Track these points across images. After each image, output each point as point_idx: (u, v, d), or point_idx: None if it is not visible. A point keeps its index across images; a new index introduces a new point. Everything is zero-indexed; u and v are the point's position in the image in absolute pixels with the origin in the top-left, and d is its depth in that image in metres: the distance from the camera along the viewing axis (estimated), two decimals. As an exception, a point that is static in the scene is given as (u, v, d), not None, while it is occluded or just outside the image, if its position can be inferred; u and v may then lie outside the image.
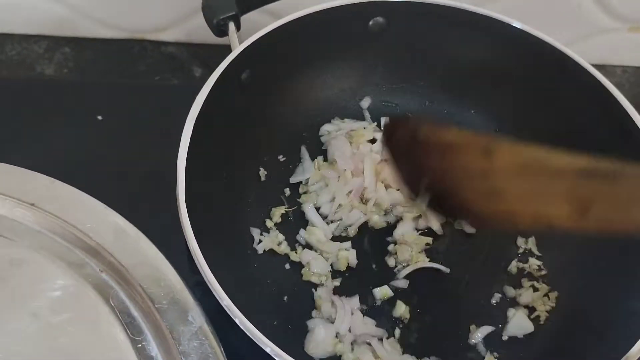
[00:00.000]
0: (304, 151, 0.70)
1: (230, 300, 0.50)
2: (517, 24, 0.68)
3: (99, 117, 0.78)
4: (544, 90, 0.69)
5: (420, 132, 0.41)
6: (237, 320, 0.49)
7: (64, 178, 0.59)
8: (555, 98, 0.69)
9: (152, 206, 0.61)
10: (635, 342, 0.51)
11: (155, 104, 0.80)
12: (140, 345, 0.50)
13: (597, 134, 0.66)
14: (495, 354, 0.60)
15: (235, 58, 0.63)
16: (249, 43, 0.65)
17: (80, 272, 0.52)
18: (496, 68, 0.70)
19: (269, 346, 0.48)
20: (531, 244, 0.68)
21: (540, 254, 0.67)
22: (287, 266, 0.64)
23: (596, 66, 0.67)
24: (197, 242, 0.52)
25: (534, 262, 0.66)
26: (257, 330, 0.49)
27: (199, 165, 0.58)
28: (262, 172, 0.68)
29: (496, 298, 0.64)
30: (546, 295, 0.64)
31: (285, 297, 0.62)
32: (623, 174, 0.32)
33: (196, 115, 0.58)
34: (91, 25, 0.85)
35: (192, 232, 0.52)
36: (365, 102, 0.74)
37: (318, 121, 0.73)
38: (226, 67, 0.62)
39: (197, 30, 0.84)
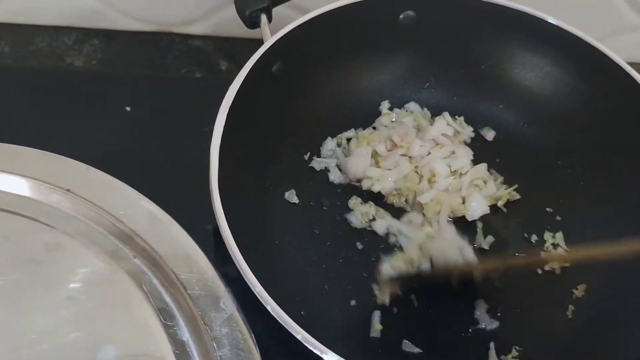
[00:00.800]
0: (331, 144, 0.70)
1: (262, 288, 0.50)
2: (551, 20, 0.67)
3: (127, 108, 0.79)
4: (576, 88, 0.69)
5: None
6: (268, 308, 0.49)
7: (97, 165, 0.60)
8: (588, 95, 0.68)
9: (184, 195, 0.61)
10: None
11: (182, 96, 0.81)
12: (172, 330, 0.51)
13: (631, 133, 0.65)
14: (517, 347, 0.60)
15: (267, 50, 0.64)
16: (281, 35, 0.65)
17: (113, 258, 0.53)
18: (526, 62, 0.70)
19: (300, 333, 0.49)
20: (559, 238, 0.67)
21: (567, 249, 0.67)
22: (314, 257, 0.64)
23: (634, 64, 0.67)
24: (230, 230, 0.52)
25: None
26: (288, 317, 0.49)
27: (231, 154, 0.58)
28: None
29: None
30: (575, 288, 0.64)
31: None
32: None
33: (229, 104, 0.59)
34: (120, 18, 0.86)
35: (225, 221, 0.52)
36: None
37: (346, 114, 0.73)
38: (258, 59, 0.62)
39: (224, 24, 0.85)
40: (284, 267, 0.61)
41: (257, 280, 0.50)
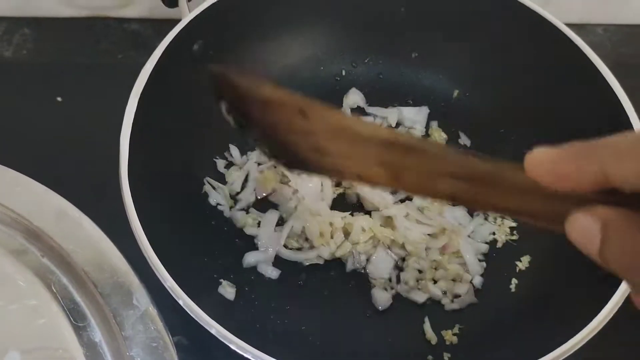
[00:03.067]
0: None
1: (174, 281, 0.47)
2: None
3: (59, 99, 0.76)
4: (515, 52, 0.66)
5: (241, 85, 0.40)
6: (181, 302, 0.47)
7: (6, 162, 0.57)
8: (527, 59, 0.66)
9: (101, 189, 0.58)
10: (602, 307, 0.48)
11: (119, 82, 0.77)
12: (83, 332, 0.48)
13: (574, 97, 0.63)
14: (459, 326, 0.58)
15: (184, 28, 0.61)
16: (199, 11, 0.62)
17: (20, 259, 0.50)
18: (463, 26, 0.67)
19: (213, 327, 0.46)
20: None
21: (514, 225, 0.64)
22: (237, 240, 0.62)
23: (575, 26, 0.64)
24: (142, 221, 0.49)
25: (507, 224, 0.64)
26: (201, 311, 0.46)
27: (147, 143, 0.55)
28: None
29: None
30: (518, 260, 0.62)
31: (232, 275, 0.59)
32: (422, 150, 0.34)
33: (141, 90, 0.56)
34: (52, 5, 0.82)
35: (135, 213, 0.50)
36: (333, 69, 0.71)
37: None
38: (174, 38, 0.59)
39: (161, 5, 0.81)
40: (199, 260, 0.58)
41: (169, 274, 0.47)
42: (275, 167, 0.65)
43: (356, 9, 0.69)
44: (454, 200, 0.35)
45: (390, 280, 0.60)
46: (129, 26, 0.85)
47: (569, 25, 0.64)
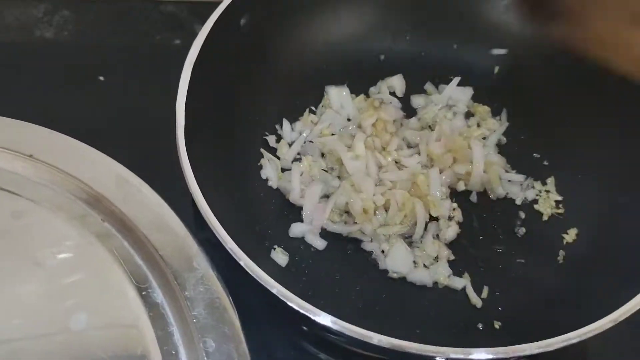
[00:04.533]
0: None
1: (234, 243, 0.48)
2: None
3: (101, 78, 0.77)
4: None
5: None
6: (242, 263, 0.48)
7: (65, 131, 0.58)
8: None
9: (156, 157, 0.59)
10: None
11: (157, 62, 0.78)
12: (145, 293, 0.49)
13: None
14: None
15: (231, 2, 0.61)
16: (247, -16, 0.63)
17: (82, 222, 0.51)
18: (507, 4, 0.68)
19: (275, 287, 0.47)
20: (550, 184, 0.65)
21: (560, 198, 0.65)
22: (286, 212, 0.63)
23: None
24: (200, 186, 0.50)
25: (552, 197, 0.64)
26: (262, 271, 0.47)
27: (198, 112, 0.56)
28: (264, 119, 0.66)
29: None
30: (565, 232, 0.62)
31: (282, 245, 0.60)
32: None
33: (194, 60, 0.57)
34: (90, -13, 0.84)
35: (193, 178, 0.50)
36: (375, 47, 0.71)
37: (322, 68, 0.70)
38: (223, 11, 0.60)
39: (196, -13, 0.82)
40: (251, 228, 0.58)
41: (229, 236, 0.48)
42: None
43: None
44: None
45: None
46: (165, 8, 0.85)
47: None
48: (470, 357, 0.45)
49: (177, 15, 0.85)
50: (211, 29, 0.60)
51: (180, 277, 0.49)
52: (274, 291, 0.47)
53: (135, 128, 0.69)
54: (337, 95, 0.68)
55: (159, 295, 0.49)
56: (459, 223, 0.63)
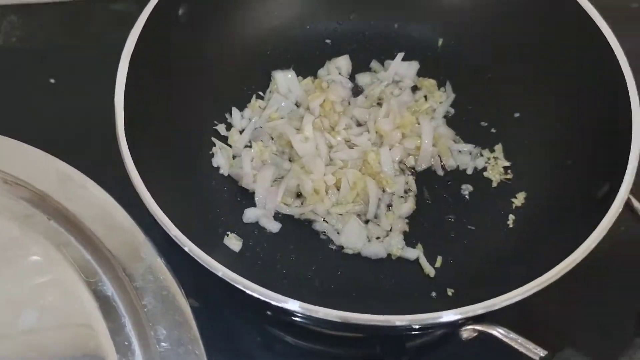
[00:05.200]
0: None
1: (178, 230, 0.48)
2: None
3: (52, 80, 0.77)
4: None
5: None
6: (186, 249, 0.48)
7: (13, 134, 0.58)
8: (513, 4, 0.67)
9: (102, 154, 0.59)
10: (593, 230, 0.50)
11: (107, 60, 0.78)
12: (95, 287, 0.49)
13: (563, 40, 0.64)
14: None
15: (166, -8, 0.61)
16: (183, -25, 0.63)
17: (28, 223, 0.51)
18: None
19: (220, 270, 0.47)
20: (498, 151, 0.66)
21: (508, 164, 0.66)
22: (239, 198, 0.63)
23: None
24: (143, 178, 0.50)
25: (500, 164, 0.65)
26: (207, 256, 0.48)
27: (140, 103, 0.57)
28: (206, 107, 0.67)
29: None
30: (514, 197, 0.63)
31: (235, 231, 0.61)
32: None
33: (130, 52, 0.57)
34: (36, -9, 0.83)
35: (135, 169, 0.51)
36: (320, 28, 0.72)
37: (267, 53, 0.71)
38: (157, 2, 0.60)
39: (144, -18, 0.82)
40: (202, 218, 0.59)
41: (174, 224, 0.49)
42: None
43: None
44: None
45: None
46: (114, 6, 0.85)
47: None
48: (397, 323, 0.46)
49: (124, 12, 0.85)
50: (147, 19, 0.60)
51: (129, 268, 0.49)
52: (219, 274, 0.47)
53: (83, 127, 0.69)
54: (284, 79, 0.69)
55: (109, 288, 0.49)
56: (415, 197, 0.64)
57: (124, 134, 0.52)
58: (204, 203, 0.61)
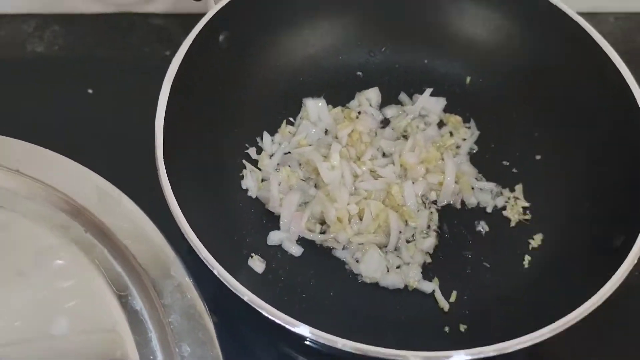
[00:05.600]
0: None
1: (208, 252, 0.51)
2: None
3: (90, 91, 0.79)
4: (527, 39, 0.69)
5: None
6: (215, 272, 0.50)
7: (52, 145, 0.61)
8: (539, 45, 0.69)
9: (138, 169, 0.61)
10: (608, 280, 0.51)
11: (146, 74, 0.80)
12: (125, 300, 0.52)
13: (586, 84, 0.66)
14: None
15: (210, 19, 0.64)
16: (225, 3, 0.65)
17: (65, 233, 0.54)
18: (478, 17, 0.70)
19: (246, 295, 0.50)
20: (518, 191, 0.68)
21: (527, 204, 0.67)
22: (264, 221, 0.65)
23: (587, 14, 0.67)
24: (177, 199, 0.53)
25: (520, 204, 0.67)
26: (234, 279, 0.50)
27: (179, 125, 0.59)
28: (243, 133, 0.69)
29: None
30: (531, 238, 0.65)
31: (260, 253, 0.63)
32: None
33: (173, 76, 0.59)
34: (79, 2, 0.86)
35: (171, 190, 0.53)
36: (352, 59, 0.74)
37: (300, 80, 0.73)
38: (202, 29, 0.63)
39: (184, 0, 0.85)
40: (228, 238, 0.61)
41: (204, 246, 0.51)
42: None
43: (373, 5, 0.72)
44: None
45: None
46: (154, 21, 0.88)
47: (580, 13, 0.67)
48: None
49: (165, 28, 0.88)
50: (190, 45, 0.62)
51: (158, 285, 0.52)
52: (245, 299, 0.49)
53: (119, 140, 0.72)
54: (314, 107, 0.71)
55: (138, 303, 0.52)
56: (436, 232, 0.65)
57: (162, 157, 0.55)
58: (231, 224, 0.63)
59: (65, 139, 0.66)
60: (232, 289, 0.50)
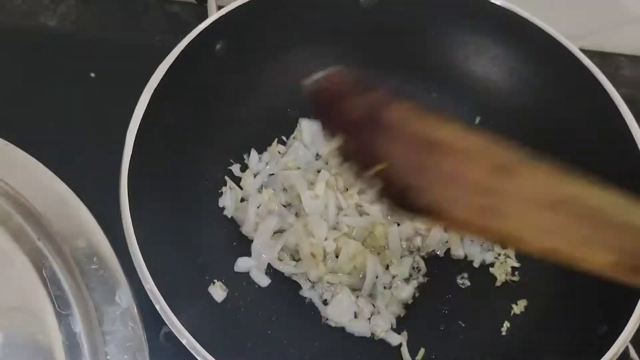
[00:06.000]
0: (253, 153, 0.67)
1: (154, 284, 0.48)
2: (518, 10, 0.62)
3: (92, 75, 0.77)
4: (537, 82, 0.64)
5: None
6: (157, 307, 0.48)
7: (23, 141, 0.58)
8: (548, 89, 0.64)
9: (106, 180, 0.57)
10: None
11: (154, 64, 0.78)
12: (65, 320, 0.49)
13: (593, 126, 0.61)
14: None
15: (209, 25, 0.61)
16: (227, 10, 0.62)
17: (16, 237, 0.51)
18: (482, 51, 0.65)
19: (185, 338, 0.47)
20: (510, 250, 0.63)
21: (517, 265, 0.63)
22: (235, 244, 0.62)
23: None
24: (132, 222, 0.50)
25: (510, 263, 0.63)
26: (176, 320, 0.47)
27: (156, 139, 0.56)
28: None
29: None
30: (515, 302, 0.61)
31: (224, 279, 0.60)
32: None
33: (156, 84, 0.56)
34: (98, -22, 0.84)
35: (128, 210, 0.50)
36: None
37: (299, 100, 0.69)
38: (198, 35, 0.59)
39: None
40: (194, 260, 0.58)
41: (151, 276, 0.48)
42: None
43: (377, 26, 0.67)
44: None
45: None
46: (170, 8, 0.85)
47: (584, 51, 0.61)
48: None
49: (180, 17, 0.85)
50: (183, 49, 0.59)
51: (100, 310, 0.49)
52: (183, 342, 0.47)
53: (99, 141, 0.68)
54: (309, 128, 0.67)
55: (78, 325, 0.49)
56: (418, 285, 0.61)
57: (126, 173, 0.52)
58: (198, 244, 0.60)
59: (43, 132, 0.64)
60: (172, 328, 0.47)
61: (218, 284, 0.59)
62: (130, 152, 0.53)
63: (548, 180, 0.34)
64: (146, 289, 0.48)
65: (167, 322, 0.47)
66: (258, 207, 0.63)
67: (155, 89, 0.57)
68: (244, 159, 0.67)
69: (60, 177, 0.54)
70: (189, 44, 0.60)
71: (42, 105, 0.73)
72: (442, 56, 0.68)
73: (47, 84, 0.75)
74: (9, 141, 0.57)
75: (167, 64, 0.58)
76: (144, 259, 0.48)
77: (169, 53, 0.58)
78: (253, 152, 0.66)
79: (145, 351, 0.48)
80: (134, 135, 0.54)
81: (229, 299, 0.59)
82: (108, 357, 0.48)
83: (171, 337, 0.48)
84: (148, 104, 0.56)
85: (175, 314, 0.47)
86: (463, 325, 0.60)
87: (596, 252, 0.32)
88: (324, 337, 0.59)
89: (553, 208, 0.33)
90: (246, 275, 0.61)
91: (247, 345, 0.52)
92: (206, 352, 0.46)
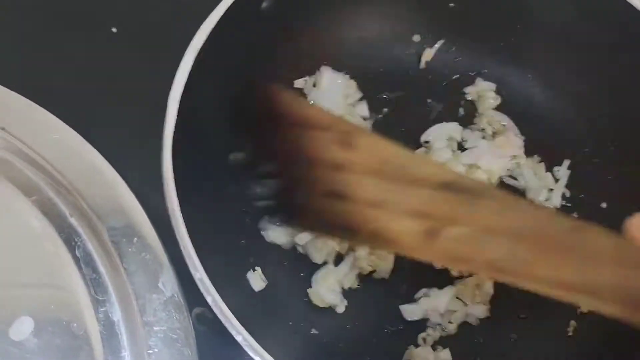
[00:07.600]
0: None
1: (205, 274, 0.43)
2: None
3: (114, 30, 0.70)
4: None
5: (285, 100, 0.37)
6: (209, 299, 0.42)
7: (52, 100, 0.52)
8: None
9: (141, 148, 0.52)
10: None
11: (182, 22, 0.70)
12: (102, 307, 0.44)
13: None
14: None
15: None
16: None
17: (46, 212, 0.46)
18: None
19: (241, 334, 0.42)
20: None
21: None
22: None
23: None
24: (179, 202, 0.44)
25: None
26: (231, 313, 0.42)
27: (199, 108, 0.50)
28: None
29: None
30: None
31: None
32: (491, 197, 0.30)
33: (199, 46, 0.50)
34: None
35: (174, 189, 0.44)
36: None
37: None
38: (243, -9, 0.53)
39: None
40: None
41: (202, 265, 0.43)
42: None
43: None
44: (498, 273, 0.30)
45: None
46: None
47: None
48: None
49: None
50: (227, 9, 0.52)
51: (142, 297, 0.44)
52: (238, 339, 0.42)
53: (130, 106, 0.63)
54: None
55: (116, 313, 0.44)
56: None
57: (170, 148, 0.46)
58: (241, 225, 0.55)
59: (68, 91, 0.58)
60: (224, 323, 0.42)
61: (258, 272, 0.54)
62: (174, 124, 0.47)
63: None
64: (195, 279, 0.43)
65: (219, 316, 0.42)
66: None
67: (200, 49, 0.50)
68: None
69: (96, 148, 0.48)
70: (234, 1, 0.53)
71: (64, 63, 0.66)
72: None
73: (67, 38, 0.69)
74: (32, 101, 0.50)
75: (212, 23, 0.52)
76: (193, 245, 0.43)
77: (199, 9, 0.52)
78: None
79: (194, 346, 0.43)
80: (177, 103, 0.48)
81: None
82: (150, 351, 0.43)
83: (204, 319, 0.42)
84: (191, 68, 0.49)
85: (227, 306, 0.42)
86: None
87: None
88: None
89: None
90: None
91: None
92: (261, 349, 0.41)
